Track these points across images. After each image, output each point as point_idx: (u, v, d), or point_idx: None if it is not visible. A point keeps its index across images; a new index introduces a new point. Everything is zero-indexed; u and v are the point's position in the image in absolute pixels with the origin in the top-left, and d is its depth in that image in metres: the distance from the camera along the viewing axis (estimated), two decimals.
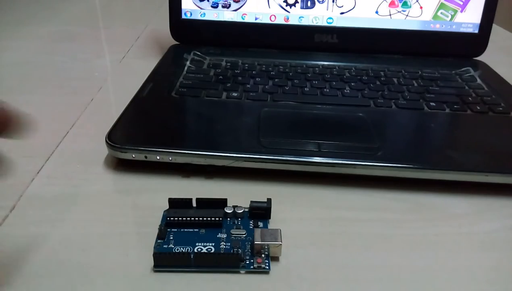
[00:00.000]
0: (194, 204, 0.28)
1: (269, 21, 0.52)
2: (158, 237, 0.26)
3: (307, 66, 0.49)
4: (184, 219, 0.27)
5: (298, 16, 0.52)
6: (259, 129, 0.35)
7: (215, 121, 0.37)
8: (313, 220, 0.30)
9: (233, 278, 0.25)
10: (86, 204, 0.30)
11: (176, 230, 0.27)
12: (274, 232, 0.26)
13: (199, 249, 0.26)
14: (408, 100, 0.42)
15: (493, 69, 0.51)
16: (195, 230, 0.27)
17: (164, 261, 0.25)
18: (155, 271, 0.25)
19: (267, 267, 0.25)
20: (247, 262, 0.25)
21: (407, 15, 0.52)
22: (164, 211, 0.28)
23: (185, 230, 0.27)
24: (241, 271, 0.25)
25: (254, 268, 0.25)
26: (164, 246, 0.26)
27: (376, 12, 0.51)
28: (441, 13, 0.51)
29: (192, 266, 0.25)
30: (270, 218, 0.29)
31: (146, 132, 0.36)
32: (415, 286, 0.25)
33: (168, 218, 0.27)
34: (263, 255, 0.26)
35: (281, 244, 0.26)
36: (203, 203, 0.28)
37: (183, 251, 0.26)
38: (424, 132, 0.38)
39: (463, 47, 0.53)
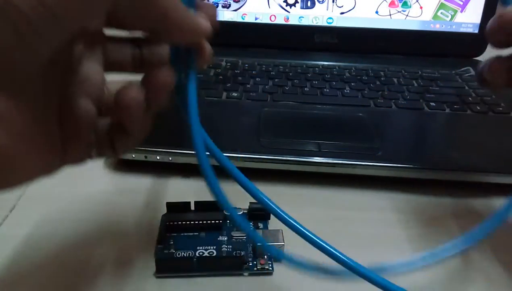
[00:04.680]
0: (193, 207, 0.28)
1: (269, 21, 0.52)
2: (158, 242, 0.26)
3: (307, 66, 0.49)
4: (183, 222, 0.27)
5: (298, 16, 0.52)
6: (259, 129, 0.35)
7: (215, 121, 0.37)
8: (313, 220, 0.30)
9: (237, 281, 0.25)
10: (86, 204, 0.30)
11: (176, 234, 0.27)
12: (276, 233, 0.26)
13: (201, 253, 0.26)
14: (408, 100, 0.42)
15: None
16: (195, 233, 0.27)
17: (167, 267, 0.25)
18: (158, 277, 0.25)
19: (271, 268, 0.25)
20: (250, 263, 0.25)
21: (407, 15, 0.52)
22: (162, 216, 0.28)
23: (185, 234, 0.27)
24: (245, 273, 0.25)
25: (257, 269, 0.25)
26: (165, 252, 0.26)
27: (376, 12, 0.51)
28: (441, 13, 0.51)
29: (195, 271, 0.25)
30: (269, 219, 0.29)
31: None
32: (415, 286, 0.25)
33: (167, 223, 0.27)
34: (265, 256, 0.26)
35: (283, 245, 0.26)
36: (202, 205, 0.28)
37: (185, 255, 0.25)
38: (424, 132, 0.38)
39: (463, 47, 0.53)
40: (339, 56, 0.52)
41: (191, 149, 0.33)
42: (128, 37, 0.22)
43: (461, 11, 0.51)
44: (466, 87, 0.45)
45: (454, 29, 0.52)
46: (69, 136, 0.19)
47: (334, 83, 0.45)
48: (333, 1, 0.51)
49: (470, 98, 0.43)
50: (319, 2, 0.51)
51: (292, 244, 0.27)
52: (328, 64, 0.50)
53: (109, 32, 0.21)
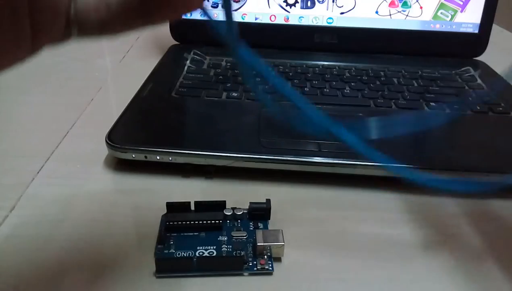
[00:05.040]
0: (193, 207, 0.28)
1: (269, 21, 0.52)
2: (158, 242, 0.26)
3: (307, 66, 0.49)
4: (183, 222, 0.27)
5: (298, 16, 0.52)
6: (259, 129, 0.35)
7: (215, 121, 0.37)
8: (313, 220, 0.30)
9: (237, 281, 0.25)
10: (86, 204, 0.30)
11: (176, 234, 0.27)
12: (276, 233, 0.26)
13: (201, 253, 0.26)
14: (408, 100, 0.42)
15: (493, 69, 0.51)
16: (195, 233, 0.27)
17: (167, 266, 0.25)
18: (158, 277, 0.25)
19: (271, 268, 0.25)
20: (250, 263, 0.25)
21: (407, 15, 0.52)
22: (162, 216, 0.28)
23: (185, 234, 0.27)
24: (245, 273, 0.25)
25: (257, 269, 0.25)
26: (165, 251, 0.26)
27: (376, 12, 0.51)
28: (441, 13, 0.51)
29: (195, 271, 0.25)
30: (269, 219, 0.29)
31: (146, 132, 0.36)
32: (415, 286, 0.25)
33: (167, 223, 0.27)
34: (265, 256, 0.26)
35: (283, 245, 0.26)
36: (201, 206, 0.28)
37: (185, 255, 0.25)
38: (424, 132, 0.38)
39: (463, 47, 0.53)
40: (339, 56, 0.52)
41: (191, 148, 0.33)
42: None
43: (461, 11, 0.51)
44: (466, 87, 0.45)
45: (454, 29, 0.52)
46: (41, 16, 0.17)
47: (334, 83, 0.45)
48: (333, 1, 0.51)
49: (470, 98, 0.43)
50: (319, 2, 0.51)
51: (292, 244, 0.27)
52: (328, 64, 0.50)
53: None
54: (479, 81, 0.47)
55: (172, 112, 0.39)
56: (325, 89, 0.43)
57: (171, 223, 0.27)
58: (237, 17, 0.52)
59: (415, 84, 0.46)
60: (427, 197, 0.32)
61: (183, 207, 0.28)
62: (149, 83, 0.43)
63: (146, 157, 0.32)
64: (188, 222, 0.27)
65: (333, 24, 0.52)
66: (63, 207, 0.30)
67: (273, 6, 0.52)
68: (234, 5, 0.52)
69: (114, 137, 0.33)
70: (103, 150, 0.34)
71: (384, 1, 0.51)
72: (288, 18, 0.52)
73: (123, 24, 0.19)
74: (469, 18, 0.52)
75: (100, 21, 0.18)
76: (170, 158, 0.32)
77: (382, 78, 0.47)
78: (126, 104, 0.38)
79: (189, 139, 0.35)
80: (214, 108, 0.39)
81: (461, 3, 0.51)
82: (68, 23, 0.18)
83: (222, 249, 0.26)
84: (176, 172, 0.33)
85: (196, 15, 0.53)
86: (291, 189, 0.32)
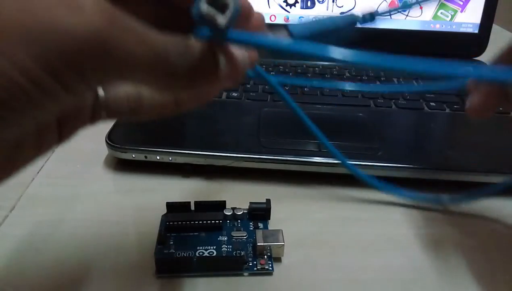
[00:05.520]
0: (193, 207, 0.28)
1: (269, 21, 0.52)
2: (158, 242, 0.26)
3: (307, 66, 0.49)
4: (183, 222, 0.27)
5: (298, 16, 0.52)
6: (259, 129, 0.35)
7: (215, 121, 0.37)
8: (313, 220, 0.30)
9: (237, 281, 0.25)
10: (86, 204, 0.30)
11: (176, 234, 0.27)
12: (276, 233, 0.26)
13: (201, 253, 0.26)
14: (408, 100, 0.42)
15: None
16: (195, 233, 0.27)
17: (167, 266, 0.25)
18: (158, 277, 0.25)
19: (271, 268, 0.25)
20: (250, 264, 0.25)
21: (407, 15, 0.52)
22: (162, 216, 0.28)
23: (185, 234, 0.27)
24: (245, 273, 0.25)
25: (257, 269, 0.25)
26: (165, 251, 0.26)
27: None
28: (441, 13, 0.51)
29: (195, 271, 0.25)
30: (270, 219, 0.29)
31: (146, 132, 0.35)
32: (415, 286, 0.25)
33: (168, 223, 0.27)
34: (265, 256, 0.26)
35: (283, 245, 0.26)
36: (202, 206, 0.28)
37: (185, 255, 0.25)
38: (424, 132, 0.38)
39: (463, 47, 0.53)
40: None
41: (191, 148, 0.33)
42: None
43: (461, 11, 0.51)
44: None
45: (454, 29, 0.52)
46: (66, 123, 0.19)
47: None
48: (333, 1, 0.51)
49: None
50: (319, 2, 0.51)
51: (292, 244, 0.27)
52: (328, 64, 0.50)
53: None
54: None
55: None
56: (325, 89, 0.43)
57: (171, 223, 0.27)
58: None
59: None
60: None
61: (183, 207, 0.28)
62: None
63: (146, 157, 0.32)
64: (188, 222, 0.27)
65: None
66: (63, 207, 0.30)
67: (273, 6, 0.52)
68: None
69: (114, 137, 0.33)
70: (103, 150, 0.34)
71: (384, 1, 0.51)
72: (288, 18, 0.52)
73: (153, 115, 0.21)
74: (469, 18, 0.52)
75: (130, 111, 0.20)
76: (170, 158, 0.32)
77: (382, 78, 0.47)
78: None
79: (189, 139, 0.35)
80: (214, 108, 0.39)
81: (461, 3, 0.51)
82: (96, 111, 0.19)
83: (222, 249, 0.26)
84: (176, 172, 0.33)
85: None
86: (291, 189, 0.32)
